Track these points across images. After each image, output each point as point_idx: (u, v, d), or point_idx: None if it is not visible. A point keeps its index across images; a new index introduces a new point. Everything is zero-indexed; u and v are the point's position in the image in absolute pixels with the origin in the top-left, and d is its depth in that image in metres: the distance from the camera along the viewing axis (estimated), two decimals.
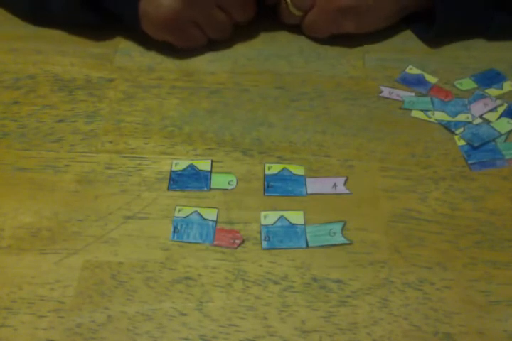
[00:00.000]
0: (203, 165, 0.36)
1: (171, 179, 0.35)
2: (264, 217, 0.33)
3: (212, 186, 0.35)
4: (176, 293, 0.30)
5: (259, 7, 0.44)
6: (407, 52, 0.45)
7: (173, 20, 0.40)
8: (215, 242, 0.32)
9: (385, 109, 0.40)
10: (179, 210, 0.34)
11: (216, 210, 0.34)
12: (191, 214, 0.33)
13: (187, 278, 0.31)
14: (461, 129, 0.38)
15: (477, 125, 0.38)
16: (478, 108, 0.39)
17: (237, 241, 0.32)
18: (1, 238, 0.32)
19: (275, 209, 0.34)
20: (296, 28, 0.45)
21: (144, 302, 0.30)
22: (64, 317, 0.29)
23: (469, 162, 0.36)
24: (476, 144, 0.37)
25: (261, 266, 0.31)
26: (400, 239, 0.33)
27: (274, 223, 0.33)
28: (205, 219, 0.33)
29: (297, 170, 0.36)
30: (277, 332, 0.29)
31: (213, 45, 0.45)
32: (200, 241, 0.32)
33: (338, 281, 0.31)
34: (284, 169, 0.36)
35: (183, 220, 0.33)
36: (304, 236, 0.33)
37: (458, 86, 0.42)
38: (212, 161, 0.36)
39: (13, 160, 0.36)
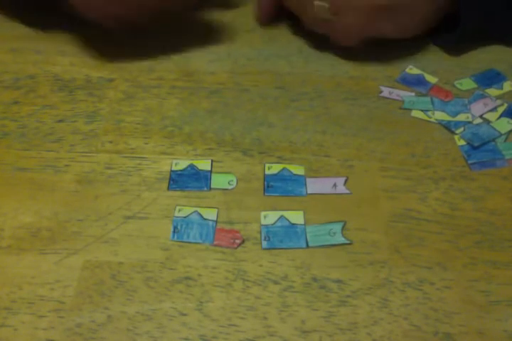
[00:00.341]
0: (203, 165, 0.36)
1: (171, 179, 0.35)
2: (264, 216, 0.33)
3: (212, 186, 0.35)
4: (176, 293, 0.30)
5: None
6: (406, 51, 0.45)
7: None
8: (215, 242, 0.32)
9: (385, 109, 0.40)
10: (179, 210, 0.34)
11: (216, 210, 0.34)
12: (191, 214, 0.33)
13: (187, 278, 0.31)
14: (461, 129, 0.38)
15: (477, 125, 0.38)
16: (478, 108, 0.39)
17: (237, 241, 0.32)
18: (1, 238, 0.32)
19: (275, 209, 0.34)
20: (296, 28, 0.45)
21: (144, 302, 0.30)
22: (64, 317, 0.29)
23: (469, 162, 0.37)
24: (476, 144, 0.37)
25: (261, 266, 0.31)
26: (400, 239, 0.33)
27: (274, 223, 0.33)
28: (205, 219, 0.33)
29: (297, 170, 0.36)
30: (277, 332, 0.29)
31: (213, 45, 0.45)
32: (200, 241, 0.32)
33: (338, 281, 0.31)
34: (284, 169, 0.36)
35: (183, 220, 0.33)
36: (304, 236, 0.33)
37: (458, 86, 0.42)
38: (212, 161, 0.36)
39: (13, 160, 0.36)
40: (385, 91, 0.41)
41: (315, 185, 0.35)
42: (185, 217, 0.33)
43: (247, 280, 0.31)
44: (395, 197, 0.35)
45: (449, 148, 0.37)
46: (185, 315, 0.29)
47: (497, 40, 0.45)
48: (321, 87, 0.42)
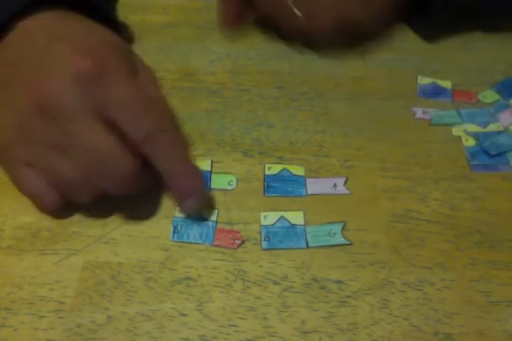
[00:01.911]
0: (203, 165, 0.36)
1: None
2: (264, 217, 0.33)
3: (212, 186, 0.35)
4: (176, 294, 0.30)
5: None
6: (406, 52, 0.45)
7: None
8: (215, 242, 0.32)
9: (385, 109, 0.40)
10: (179, 210, 0.34)
11: (216, 210, 0.34)
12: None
13: (187, 278, 0.31)
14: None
15: (498, 134, 0.38)
16: (506, 117, 0.39)
17: (237, 242, 0.32)
18: (1, 238, 0.32)
19: (275, 210, 0.34)
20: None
21: (144, 302, 0.30)
22: (64, 317, 0.29)
23: (472, 163, 0.36)
24: (493, 153, 0.37)
25: (261, 266, 0.31)
26: (400, 239, 0.33)
27: (274, 223, 0.33)
28: (205, 220, 0.33)
29: (297, 170, 0.36)
30: (277, 332, 0.29)
31: (213, 45, 0.45)
32: (200, 241, 0.32)
33: (338, 282, 0.31)
34: (284, 169, 0.36)
35: (183, 220, 0.33)
36: (304, 237, 0.33)
37: (482, 99, 0.41)
38: (212, 162, 0.36)
39: None
40: (419, 113, 0.40)
41: (315, 186, 0.35)
42: (185, 218, 0.33)
43: (247, 281, 0.31)
44: (395, 198, 0.35)
45: (449, 149, 0.37)
46: (185, 315, 0.29)
47: (474, 25, 0.45)
48: (321, 87, 0.42)
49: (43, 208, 0.33)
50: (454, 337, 0.29)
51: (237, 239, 0.32)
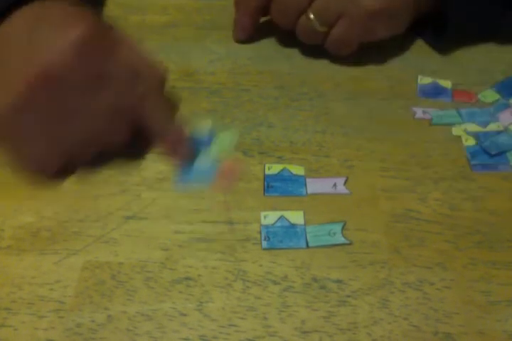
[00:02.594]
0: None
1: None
2: (264, 217, 0.33)
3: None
4: (176, 294, 0.30)
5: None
6: (406, 52, 0.45)
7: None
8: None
9: (385, 109, 0.40)
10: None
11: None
12: None
13: (187, 278, 0.31)
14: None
15: (498, 134, 0.38)
16: (506, 117, 0.39)
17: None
18: (1, 238, 0.32)
19: (275, 209, 0.34)
20: None
21: (144, 302, 0.30)
22: (64, 317, 0.29)
23: (472, 163, 0.36)
24: (493, 152, 0.37)
25: (261, 266, 0.31)
26: (400, 239, 0.33)
27: (274, 223, 0.33)
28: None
29: (297, 170, 0.36)
30: (277, 332, 0.29)
31: (213, 45, 0.45)
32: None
33: (338, 281, 0.31)
34: (284, 169, 0.36)
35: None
36: (304, 237, 0.33)
37: (482, 99, 0.41)
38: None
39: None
40: (419, 113, 0.40)
41: (315, 185, 0.35)
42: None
43: (247, 281, 0.31)
44: (395, 198, 0.35)
45: (449, 148, 0.37)
46: (185, 315, 0.29)
47: (489, 36, 0.45)
48: (321, 87, 0.42)
49: (45, 173, 0.34)
50: (454, 337, 0.29)
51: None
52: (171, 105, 0.36)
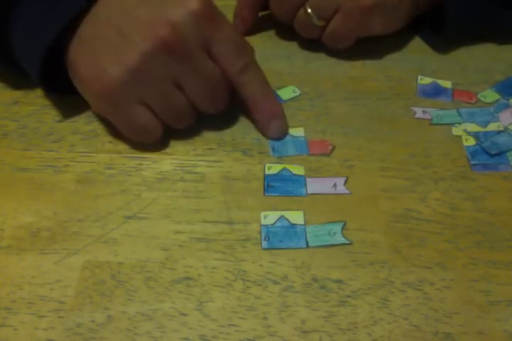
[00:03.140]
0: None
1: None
2: (264, 217, 0.33)
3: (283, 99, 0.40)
4: (176, 293, 0.30)
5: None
6: (406, 52, 0.45)
7: (115, 92, 0.33)
8: (311, 152, 0.37)
9: (385, 109, 0.40)
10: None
11: (302, 128, 0.38)
12: None
13: (187, 278, 0.31)
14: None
15: (497, 134, 0.38)
16: (507, 117, 0.39)
17: (330, 147, 0.37)
18: (1, 238, 0.32)
19: (275, 209, 0.34)
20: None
21: (144, 302, 0.30)
22: (64, 317, 0.29)
23: (472, 162, 0.36)
24: (493, 152, 0.37)
25: (261, 266, 0.31)
26: (400, 239, 0.33)
27: (274, 223, 0.33)
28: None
29: (297, 170, 0.36)
30: (277, 332, 0.29)
31: None
32: (297, 153, 0.34)
33: (338, 281, 0.31)
34: (284, 169, 0.36)
35: (278, 141, 0.38)
36: (304, 236, 0.33)
37: (482, 99, 0.41)
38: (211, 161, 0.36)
39: (13, 160, 0.36)
40: (419, 112, 0.40)
41: (315, 185, 0.35)
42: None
43: (247, 281, 0.31)
44: (395, 197, 0.35)
45: (449, 148, 0.37)
46: (185, 315, 0.29)
47: (488, 36, 0.45)
48: (321, 87, 0.42)
49: (150, 140, 0.36)
50: (454, 337, 0.29)
51: (329, 145, 0.37)
52: (266, 78, 0.37)
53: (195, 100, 0.35)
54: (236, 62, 0.35)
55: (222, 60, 0.34)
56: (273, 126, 0.37)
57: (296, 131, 0.38)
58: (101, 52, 0.33)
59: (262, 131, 0.38)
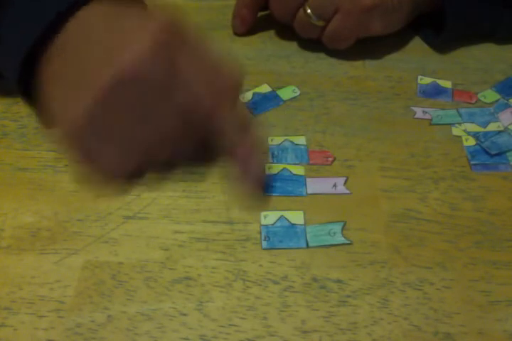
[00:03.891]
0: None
1: None
2: (264, 217, 0.33)
3: (283, 99, 0.40)
4: (176, 293, 0.30)
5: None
6: (406, 52, 0.45)
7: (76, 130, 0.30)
8: (311, 161, 0.36)
9: (385, 109, 0.40)
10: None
11: (303, 137, 0.38)
12: None
13: (187, 278, 0.31)
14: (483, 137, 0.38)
15: (498, 134, 0.38)
16: (506, 117, 0.39)
17: (330, 159, 0.36)
18: (1, 238, 0.32)
19: (275, 209, 0.34)
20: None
21: (144, 302, 0.30)
22: (64, 317, 0.29)
23: (472, 162, 0.36)
24: (493, 152, 0.37)
25: (261, 266, 0.31)
26: (400, 239, 0.33)
27: (274, 223, 0.33)
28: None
29: (297, 170, 0.36)
30: (277, 332, 0.29)
31: (213, 45, 0.45)
32: (297, 162, 0.34)
33: (338, 281, 0.31)
34: (283, 169, 0.36)
35: (278, 147, 0.37)
36: (304, 236, 0.33)
37: (482, 99, 0.41)
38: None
39: (13, 160, 0.36)
40: (419, 112, 0.40)
41: (315, 185, 0.35)
42: (278, 146, 0.37)
43: (247, 281, 0.31)
44: (395, 197, 0.35)
45: (449, 148, 0.37)
46: (185, 315, 0.29)
47: (486, 36, 0.45)
48: (321, 87, 0.42)
49: (117, 177, 0.34)
50: (454, 337, 0.29)
51: (329, 157, 0.36)
52: (246, 112, 0.34)
53: (162, 134, 0.32)
54: (210, 89, 0.31)
55: (196, 88, 0.31)
56: (253, 169, 0.34)
57: (298, 139, 0.38)
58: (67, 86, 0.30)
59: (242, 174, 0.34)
